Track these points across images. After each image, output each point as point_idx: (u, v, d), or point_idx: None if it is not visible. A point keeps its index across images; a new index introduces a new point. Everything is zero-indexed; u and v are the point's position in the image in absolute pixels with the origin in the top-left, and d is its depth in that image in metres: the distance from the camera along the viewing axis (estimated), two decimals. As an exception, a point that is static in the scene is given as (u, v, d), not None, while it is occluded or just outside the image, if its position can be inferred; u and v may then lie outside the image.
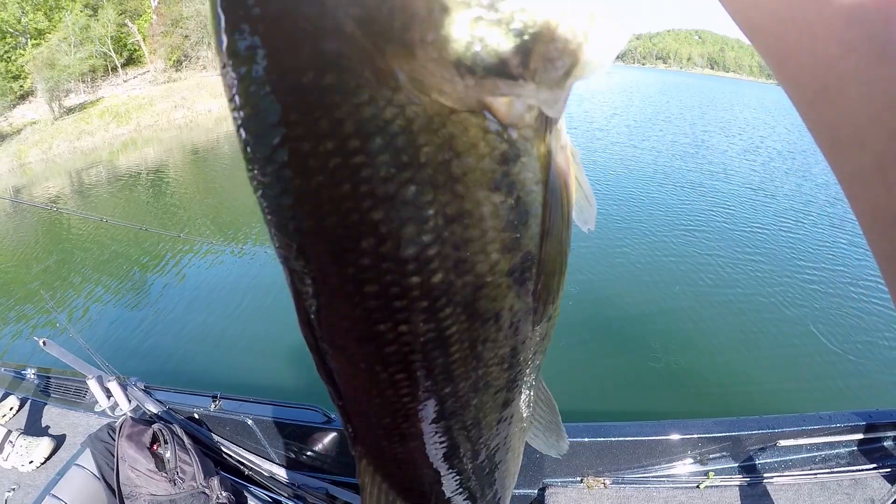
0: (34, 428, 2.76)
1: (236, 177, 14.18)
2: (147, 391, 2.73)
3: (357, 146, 0.22)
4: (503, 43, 0.21)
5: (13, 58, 26.53)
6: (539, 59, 0.22)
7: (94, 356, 2.78)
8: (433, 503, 0.44)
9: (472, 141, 0.23)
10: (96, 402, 2.77)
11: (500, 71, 0.21)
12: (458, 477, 0.41)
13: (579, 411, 4.28)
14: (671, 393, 4.94)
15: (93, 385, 2.70)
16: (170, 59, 32.77)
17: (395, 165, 0.22)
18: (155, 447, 2.36)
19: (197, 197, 12.30)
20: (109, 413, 2.74)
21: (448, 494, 0.43)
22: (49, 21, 28.01)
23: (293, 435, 2.65)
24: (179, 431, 2.47)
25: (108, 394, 2.74)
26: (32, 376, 3.11)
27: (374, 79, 0.20)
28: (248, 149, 0.23)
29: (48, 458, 2.56)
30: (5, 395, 2.99)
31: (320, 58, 0.20)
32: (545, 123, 0.24)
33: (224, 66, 0.22)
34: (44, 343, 2.50)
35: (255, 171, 0.24)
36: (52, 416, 2.86)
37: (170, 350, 5.61)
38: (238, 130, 0.23)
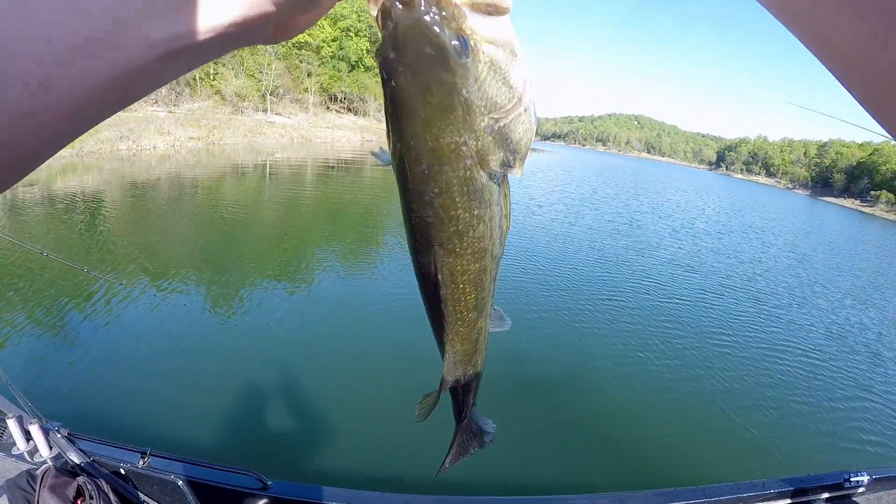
0: None
1: (176, 220, 13.56)
2: (70, 439, 2.48)
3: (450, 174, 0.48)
4: (509, 154, 0.48)
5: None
6: (517, 160, 0.49)
7: (15, 393, 2.51)
8: (446, 357, 0.68)
9: (490, 180, 0.49)
10: (14, 444, 2.47)
11: (504, 164, 0.48)
12: (460, 333, 0.65)
13: (513, 484, 4.21)
14: (605, 465, 4.98)
15: (12, 425, 2.42)
16: (123, 89, 31.88)
17: (467, 188, 0.48)
18: (79, 502, 2.15)
19: (135, 235, 11.56)
20: (28, 458, 2.44)
21: (452, 347, 0.67)
22: None
23: (226, 500, 2.47)
24: (106, 487, 2.28)
25: (28, 437, 2.45)
26: None
27: (468, 148, 0.45)
28: (402, 170, 0.47)
29: None
30: None
31: (448, 128, 0.44)
32: (506, 175, 0.52)
33: (395, 137, 0.45)
34: None
35: (407, 177, 0.47)
36: None
37: (98, 396, 5.04)
38: (400, 163, 0.47)
